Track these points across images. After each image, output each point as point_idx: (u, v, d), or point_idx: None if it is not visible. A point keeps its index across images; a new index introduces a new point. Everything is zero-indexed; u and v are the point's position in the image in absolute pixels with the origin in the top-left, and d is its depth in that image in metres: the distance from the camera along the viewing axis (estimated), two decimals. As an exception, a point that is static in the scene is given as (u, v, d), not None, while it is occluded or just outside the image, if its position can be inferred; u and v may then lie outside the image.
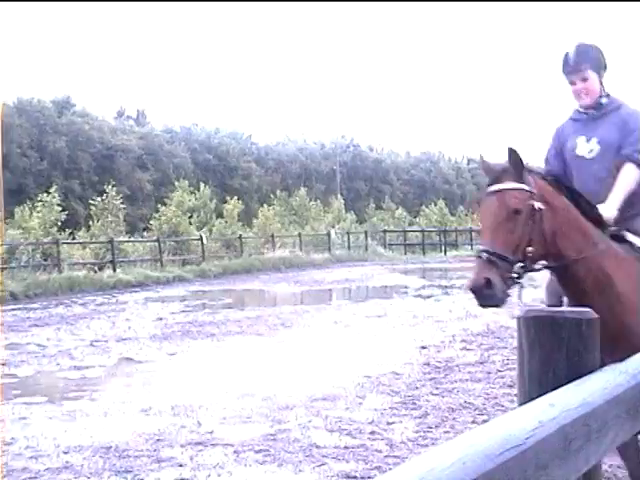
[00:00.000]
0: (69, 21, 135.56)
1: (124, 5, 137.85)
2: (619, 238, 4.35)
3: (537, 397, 1.73)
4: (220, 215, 47.26)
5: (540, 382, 1.88)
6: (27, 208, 35.88)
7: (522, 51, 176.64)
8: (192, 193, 46.37)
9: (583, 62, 4.79)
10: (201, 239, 37.95)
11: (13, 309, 20.82)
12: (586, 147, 4.85)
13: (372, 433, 7.03)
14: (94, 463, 6.31)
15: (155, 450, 6.66)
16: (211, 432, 7.21)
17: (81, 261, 32.39)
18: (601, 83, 4.86)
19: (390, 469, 5.82)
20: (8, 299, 23.72)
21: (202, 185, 49.26)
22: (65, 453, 6.64)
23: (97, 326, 16.51)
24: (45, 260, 30.30)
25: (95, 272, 30.50)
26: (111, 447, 6.77)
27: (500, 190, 4.06)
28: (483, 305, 3.93)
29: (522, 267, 3.94)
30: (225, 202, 48.51)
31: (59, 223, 34.19)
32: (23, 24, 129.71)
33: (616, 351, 3.95)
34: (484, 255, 3.90)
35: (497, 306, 3.92)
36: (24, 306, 21.89)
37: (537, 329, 1.94)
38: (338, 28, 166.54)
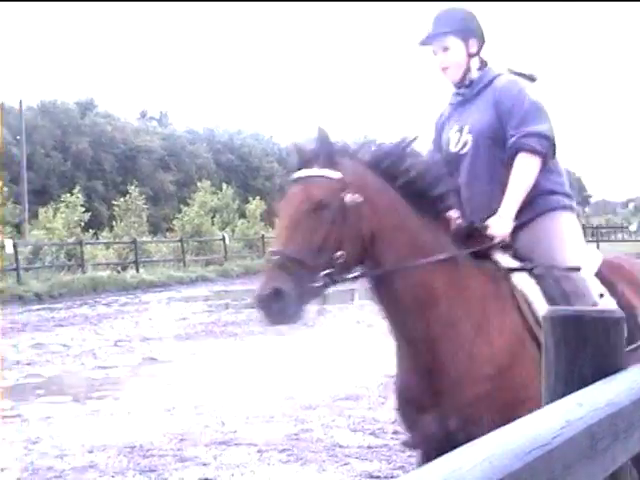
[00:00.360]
0: (92, 24, 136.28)
1: (147, 7, 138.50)
2: (482, 254, 3.52)
3: (563, 396, 1.72)
4: (242, 215, 47.32)
5: (566, 381, 1.87)
6: (51, 209, 36.09)
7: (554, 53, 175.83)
8: (214, 193, 46.43)
9: (443, 27, 3.85)
10: (224, 239, 38.04)
11: (37, 309, 20.98)
12: (458, 140, 3.88)
13: (395, 433, 7.01)
14: (118, 462, 6.35)
15: (179, 449, 6.68)
16: (234, 432, 7.22)
17: (104, 261, 32.57)
18: (474, 55, 3.88)
19: (413, 469, 5.81)
20: (32, 299, 23.90)
21: (225, 185, 49.31)
22: (90, 452, 6.67)
23: (121, 326, 16.59)
24: (69, 260, 30.49)
25: (118, 272, 30.67)
26: (135, 446, 6.80)
27: (303, 178, 3.29)
28: (271, 322, 3.11)
29: (328, 275, 3.15)
30: (247, 202, 48.56)
31: (82, 224, 34.36)
32: (47, 27, 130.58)
33: (430, 389, 3.37)
34: (276, 259, 3.11)
35: (289, 323, 3.16)
36: (48, 306, 22.04)
37: (563, 328, 1.93)
38: (358, 28, 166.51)
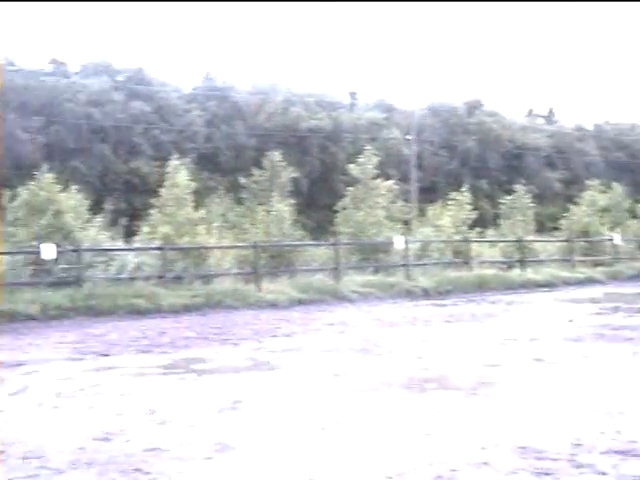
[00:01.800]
0: (450, 31, 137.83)
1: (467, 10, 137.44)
2: None
3: None
4: (634, 215, 45.27)
5: None
6: (439, 206, 36.99)
7: None
8: (604, 192, 44.84)
9: None
10: (612, 240, 36.76)
11: (425, 305, 21.69)
12: None
13: None
14: (511, 462, 6.21)
15: (573, 455, 6.39)
16: (633, 441, 6.78)
17: (490, 259, 32.75)
18: None
19: None
20: (420, 294, 24.74)
21: (614, 184, 47.42)
22: (483, 449, 6.59)
23: (507, 325, 16.55)
24: (455, 258, 31.07)
25: (503, 271, 30.69)
26: (527, 447, 6.62)
27: None
28: None
29: None
30: (638, 202, 46.47)
31: (469, 221, 34.85)
32: (433, 39, 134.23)
33: None
34: None
35: None
36: (434, 302, 22.65)
37: None
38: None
